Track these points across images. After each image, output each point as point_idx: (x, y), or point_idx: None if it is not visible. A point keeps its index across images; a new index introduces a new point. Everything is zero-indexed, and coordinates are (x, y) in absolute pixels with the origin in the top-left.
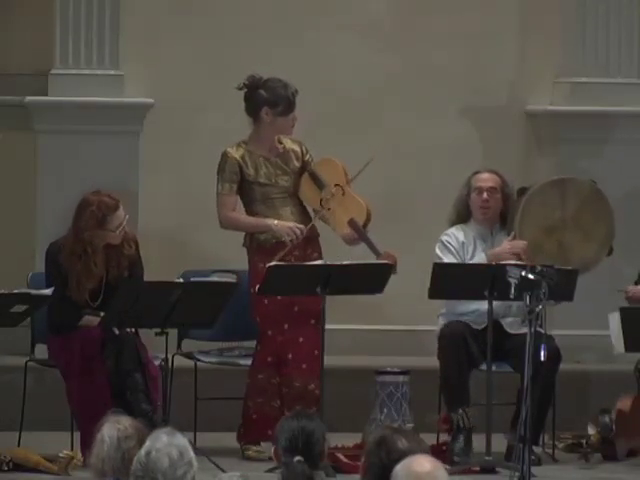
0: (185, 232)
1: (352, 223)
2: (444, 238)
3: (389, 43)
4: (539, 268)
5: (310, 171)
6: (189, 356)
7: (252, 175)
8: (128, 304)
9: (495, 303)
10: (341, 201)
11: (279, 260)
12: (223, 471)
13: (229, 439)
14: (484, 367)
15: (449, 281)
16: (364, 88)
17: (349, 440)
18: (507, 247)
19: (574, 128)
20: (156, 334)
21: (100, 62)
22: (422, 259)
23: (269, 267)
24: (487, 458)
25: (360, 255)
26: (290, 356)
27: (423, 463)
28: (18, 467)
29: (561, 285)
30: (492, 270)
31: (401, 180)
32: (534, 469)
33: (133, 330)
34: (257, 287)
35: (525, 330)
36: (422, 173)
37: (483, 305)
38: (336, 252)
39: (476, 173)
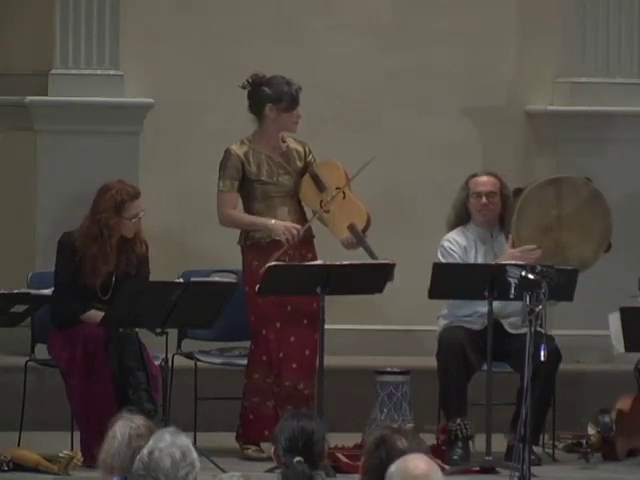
0: (185, 232)
1: (352, 228)
2: (445, 244)
3: (389, 43)
4: (539, 268)
5: (312, 172)
6: (189, 356)
7: (254, 173)
8: (130, 304)
9: (496, 304)
10: (341, 204)
11: (275, 260)
12: (223, 471)
13: (229, 439)
14: (484, 367)
15: (449, 281)
16: (364, 88)
17: (349, 440)
18: (517, 255)
19: (574, 128)
20: (156, 334)
21: (100, 62)
22: (422, 259)
23: (269, 267)
24: (487, 458)
25: (359, 255)
26: (281, 355)
27: (418, 463)
28: (18, 467)
29: (561, 285)
30: (492, 270)
31: (401, 180)
32: (534, 469)
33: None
34: (257, 287)
35: (525, 330)
36: (422, 173)
37: (484, 307)
38: (333, 253)
39: (474, 176)
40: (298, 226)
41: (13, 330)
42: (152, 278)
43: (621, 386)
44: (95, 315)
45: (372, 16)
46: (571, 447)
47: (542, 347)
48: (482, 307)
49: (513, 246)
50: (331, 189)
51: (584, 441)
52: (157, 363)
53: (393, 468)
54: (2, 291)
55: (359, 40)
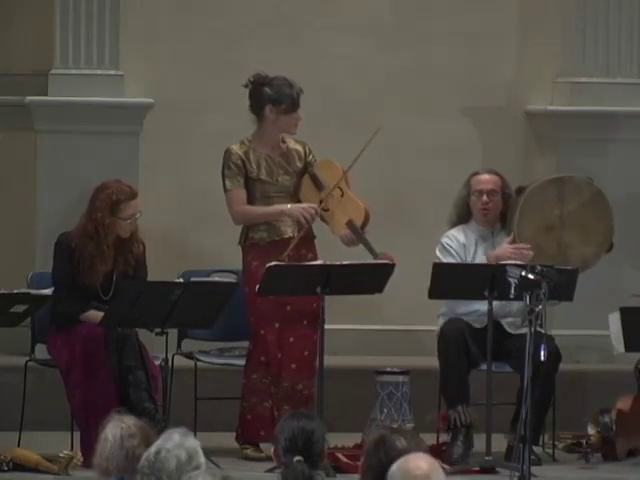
0: (185, 232)
1: (350, 224)
2: (444, 240)
3: (389, 43)
4: (539, 268)
5: (311, 172)
6: (189, 356)
7: (254, 172)
8: (130, 304)
9: (495, 304)
10: (340, 202)
11: (294, 248)
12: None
13: (229, 439)
14: (484, 367)
15: (449, 281)
16: (364, 88)
17: (349, 440)
18: (510, 251)
19: (574, 128)
20: (156, 334)
21: (100, 62)
22: (422, 259)
23: (269, 267)
24: (487, 458)
25: (359, 255)
26: (279, 355)
27: (419, 463)
28: (18, 467)
29: (561, 285)
30: (492, 270)
31: (401, 180)
32: (534, 469)
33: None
34: (257, 287)
35: (525, 330)
36: (422, 173)
37: (483, 306)
38: (334, 253)
39: (475, 174)
40: (314, 205)
41: (13, 330)
42: (152, 278)
43: (621, 386)
44: (95, 315)
45: (372, 16)
46: (571, 447)
47: (542, 347)
48: (481, 305)
49: (513, 243)
50: (329, 187)
51: (584, 441)
52: (157, 363)
53: (394, 467)
54: (2, 291)
55: (359, 40)
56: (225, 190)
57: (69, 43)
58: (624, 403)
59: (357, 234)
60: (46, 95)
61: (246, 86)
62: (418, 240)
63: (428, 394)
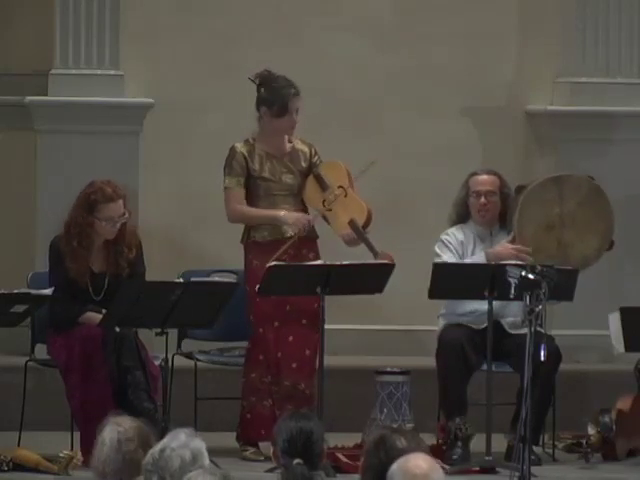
0: (185, 232)
1: (352, 223)
2: (444, 237)
3: (389, 43)
4: (539, 268)
5: (315, 173)
6: (189, 356)
7: (257, 170)
8: (129, 304)
9: (495, 304)
10: (343, 202)
11: (284, 253)
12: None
13: (229, 439)
14: (484, 367)
15: (449, 281)
16: (364, 88)
17: (349, 440)
18: (510, 250)
19: (574, 128)
20: (156, 334)
21: (100, 62)
22: (422, 259)
23: (269, 267)
24: (487, 458)
25: (359, 255)
26: (279, 355)
27: (419, 463)
28: (18, 467)
29: (561, 285)
30: (492, 270)
31: (401, 180)
32: (534, 469)
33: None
34: (257, 287)
35: (525, 330)
36: (422, 173)
37: (483, 305)
38: (335, 253)
39: (474, 174)
40: (309, 216)
41: (13, 330)
42: (152, 278)
43: (621, 386)
44: (93, 317)
45: (372, 16)
46: (571, 447)
47: (542, 347)
48: (481, 305)
49: (513, 242)
50: (333, 188)
51: (584, 441)
52: (157, 363)
53: (394, 467)
54: (2, 291)
55: (359, 40)
56: (224, 187)
57: (69, 43)
58: (624, 403)
59: (359, 233)
60: (46, 95)
61: (251, 80)
62: (418, 240)
63: (428, 394)
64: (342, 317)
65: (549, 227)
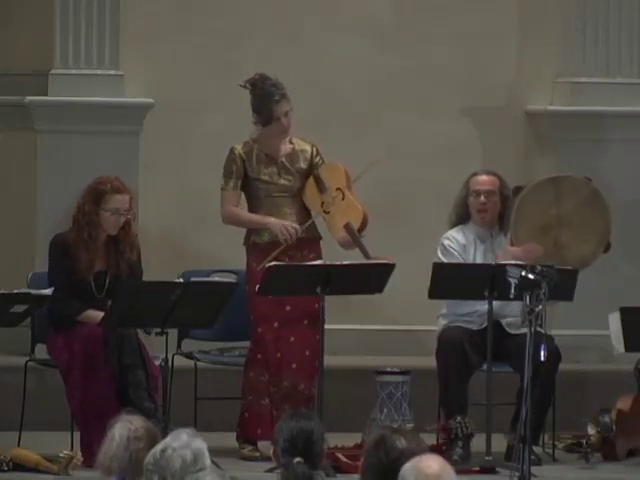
0: (185, 232)
1: (347, 227)
2: (445, 242)
3: (389, 43)
4: (539, 268)
5: (315, 174)
6: (189, 356)
7: (254, 172)
8: (129, 304)
9: (495, 304)
10: (340, 205)
11: (272, 260)
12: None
13: (229, 439)
14: (484, 367)
15: (449, 281)
16: (364, 88)
17: (349, 440)
18: (519, 254)
19: (574, 128)
20: (156, 334)
21: (100, 62)
22: (422, 259)
23: (269, 267)
24: (487, 458)
25: (359, 255)
26: (279, 355)
27: (431, 463)
28: (18, 467)
29: (561, 285)
30: (492, 270)
31: (401, 180)
32: (534, 469)
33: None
34: (257, 287)
35: (525, 330)
36: (422, 173)
37: (484, 306)
38: (336, 253)
39: (474, 175)
40: (296, 225)
41: (13, 330)
42: (152, 278)
43: (621, 386)
44: (93, 315)
45: (372, 16)
46: (571, 447)
47: (542, 347)
48: (482, 306)
49: (512, 244)
50: (331, 190)
51: (584, 441)
52: (157, 363)
53: (407, 467)
54: (2, 291)
55: (359, 40)
56: (221, 187)
57: (69, 43)
58: (624, 403)
59: (353, 237)
60: (46, 95)
61: (242, 86)
62: (418, 240)
63: (428, 394)
64: (342, 317)
65: (546, 228)
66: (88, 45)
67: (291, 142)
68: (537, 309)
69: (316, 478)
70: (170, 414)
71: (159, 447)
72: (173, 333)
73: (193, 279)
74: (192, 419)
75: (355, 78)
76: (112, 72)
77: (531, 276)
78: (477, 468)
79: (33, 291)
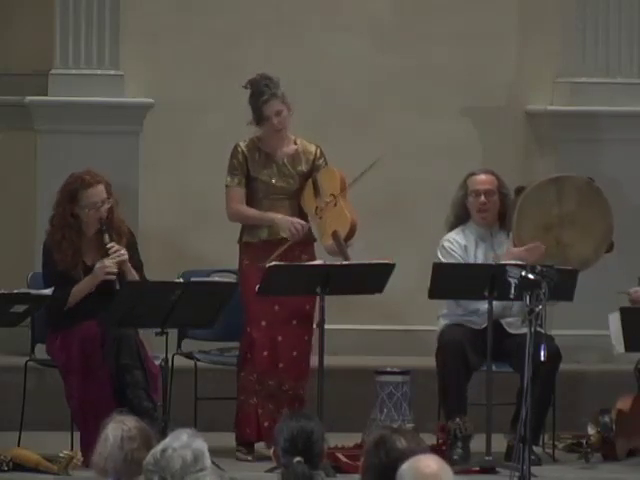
0: (185, 232)
1: (334, 234)
2: (446, 244)
3: (389, 43)
4: (539, 268)
5: (313, 178)
6: (189, 356)
7: (255, 171)
8: (129, 304)
9: (495, 304)
10: (331, 212)
11: (278, 256)
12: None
13: (229, 439)
14: (484, 367)
15: (449, 281)
16: (364, 88)
17: (349, 440)
18: (523, 254)
19: (574, 128)
20: (156, 334)
21: (100, 62)
22: (422, 259)
23: (269, 267)
24: (487, 458)
25: (359, 255)
26: (265, 354)
27: (429, 463)
28: (18, 467)
29: (561, 285)
30: (492, 270)
31: (401, 180)
32: (534, 469)
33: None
34: (257, 287)
35: (525, 330)
36: (422, 173)
37: (484, 305)
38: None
39: (472, 175)
40: (303, 222)
41: (13, 330)
42: (152, 278)
43: (621, 386)
44: (83, 284)
45: (372, 16)
46: (571, 447)
47: (542, 347)
48: (482, 305)
49: (514, 244)
50: (325, 196)
51: (584, 441)
52: (157, 363)
53: (405, 467)
54: (2, 291)
55: (359, 40)
56: (225, 184)
57: (69, 43)
58: (624, 403)
59: (339, 246)
60: (46, 95)
61: (244, 87)
62: (417, 240)
63: (428, 394)
64: (342, 317)
65: (548, 228)
66: (88, 45)
67: (296, 143)
68: (537, 309)
69: (316, 478)
70: (170, 414)
71: (159, 447)
72: (173, 333)
73: (193, 279)
74: (192, 419)
75: (355, 78)
76: (112, 72)
77: (531, 276)
78: (477, 468)
79: (33, 291)
